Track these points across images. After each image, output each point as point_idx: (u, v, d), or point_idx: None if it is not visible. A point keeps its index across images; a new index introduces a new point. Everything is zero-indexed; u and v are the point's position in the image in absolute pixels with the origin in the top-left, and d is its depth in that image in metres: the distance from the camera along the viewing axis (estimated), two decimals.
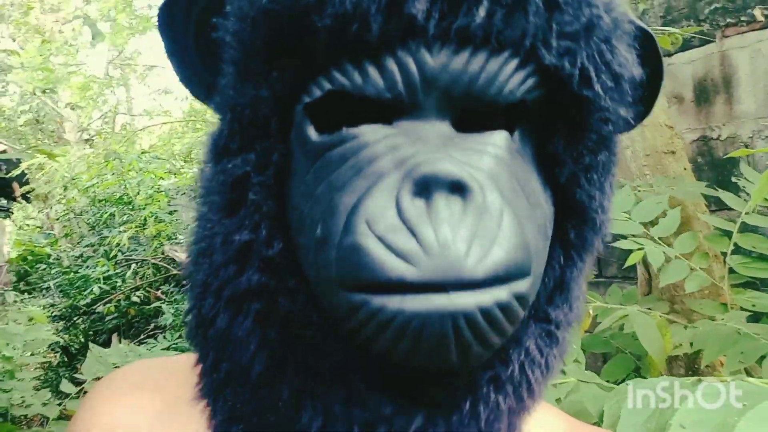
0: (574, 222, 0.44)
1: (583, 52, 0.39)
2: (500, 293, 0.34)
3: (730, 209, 1.91)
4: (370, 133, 0.39)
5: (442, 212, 0.34)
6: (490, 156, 0.39)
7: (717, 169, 2.69)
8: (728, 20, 2.64)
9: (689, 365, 1.63)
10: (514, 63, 0.38)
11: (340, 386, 0.40)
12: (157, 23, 0.47)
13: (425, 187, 0.35)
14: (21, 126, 10.53)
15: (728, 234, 1.54)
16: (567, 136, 0.42)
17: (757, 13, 2.50)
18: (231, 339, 0.42)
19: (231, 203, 0.42)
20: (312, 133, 0.41)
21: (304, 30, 0.38)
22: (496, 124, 0.42)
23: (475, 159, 0.38)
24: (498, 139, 0.40)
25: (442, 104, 0.39)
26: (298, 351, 0.41)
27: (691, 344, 1.28)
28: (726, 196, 1.55)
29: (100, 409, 0.52)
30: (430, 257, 0.33)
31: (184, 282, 0.50)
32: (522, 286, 0.36)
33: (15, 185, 6.60)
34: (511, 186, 0.39)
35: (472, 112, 0.40)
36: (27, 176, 6.85)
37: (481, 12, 0.36)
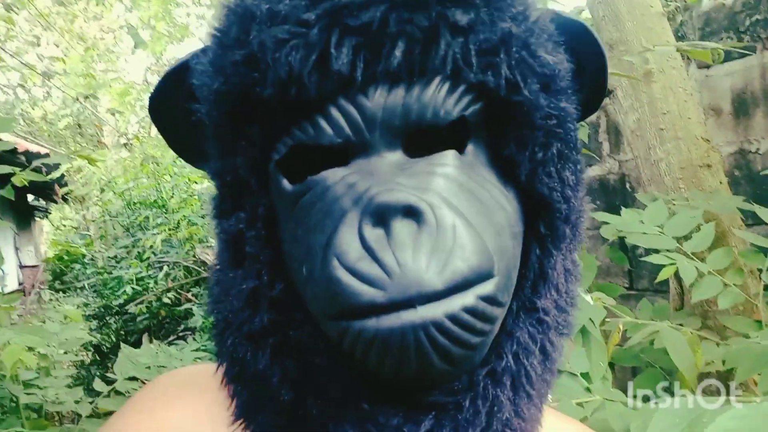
0: (541, 215, 0.47)
1: (503, 63, 0.42)
2: (466, 299, 0.38)
3: (766, 225, 1.87)
4: (330, 176, 0.43)
5: (400, 237, 0.38)
6: (438, 176, 0.42)
7: (754, 183, 2.62)
8: None
9: (721, 381, 1.59)
10: (444, 87, 0.42)
11: (350, 407, 0.44)
12: (147, 109, 0.54)
13: (381, 216, 0.38)
14: (62, 130, 10.84)
15: (764, 250, 1.50)
16: (516, 139, 0.45)
17: None
18: (258, 372, 0.47)
19: (235, 257, 0.48)
20: (286, 184, 0.45)
21: (255, 101, 0.43)
22: (449, 142, 0.45)
23: (424, 181, 0.42)
24: (446, 159, 0.44)
25: (387, 138, 0.43)
26: (314, 378, 0.45)
27: (723, 362, 1.25)
28: (763, 212, 1.51)
29: (155, 410, 0.53)
30: (393, 279, 0.37)
31: (209, 316, 0.56)
32: (487, 287, 0.39)
33: (57, 188, 6.79)
34: (464, 198, 0.42)
35: (420, 137, 0.44)
36: (65, 178, 7.04)
37: (398, 53, 0.40)
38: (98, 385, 1.99)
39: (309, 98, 0.41)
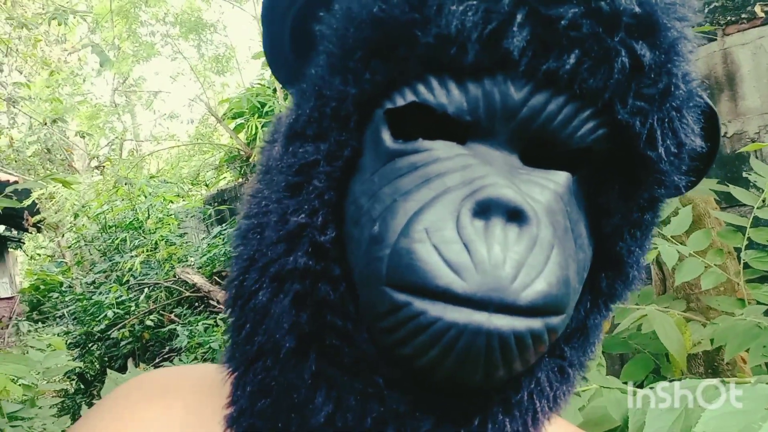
0: (608, 273, 0.46)
1: (654, 115, 0.41)
2: (535, 323, 0.36)
3: (741, 206, 1.91)
4: (443, 148, 0.41)
5: (498, 235, 0.36)
6: (550, 192, 0.41)
7: (725, 166, 2.68)
8: (729, 18, 2.65)
9: (709, 363, 1.62)
10: (589, 111, 0.41)
11: (359, 379, 0.42)
12: (261, 11, 0.50)
13: (486, 208, 0.37)
14: (30, 157, 10.64)
15: (741, 229, 1.53)
16: (621, 191, 0.44)
17: (758, 9, 2.51)
18: (268, 314, 0.44)
19: (294, 186, 0.44)
20: (387, 137, 0.43)
21: (404, 42, 0.40)
22: (560, 165, 0.44)
23: (537, 192, 0.40)
24: (560, 178, 0.42)
25: (515, 135, 0.41)
26: (324, 338, 0.42)
27: (712, 341, 1.28)
28: (737, 192, 1.55)
29: (124, 416, 0.52)
30: (479, 274, 0.35)
31: (230, 251, 0.51)
32: (555, 321, 0.38)
33: (27, 215, 6.66)
34: (564, 225, 0.41)
35: (540, 149, 0.43)
36: (37, 206, 6.91)
37: (571, 59, 0.38)
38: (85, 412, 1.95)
39: (461, 64, 0.39)
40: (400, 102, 0.42)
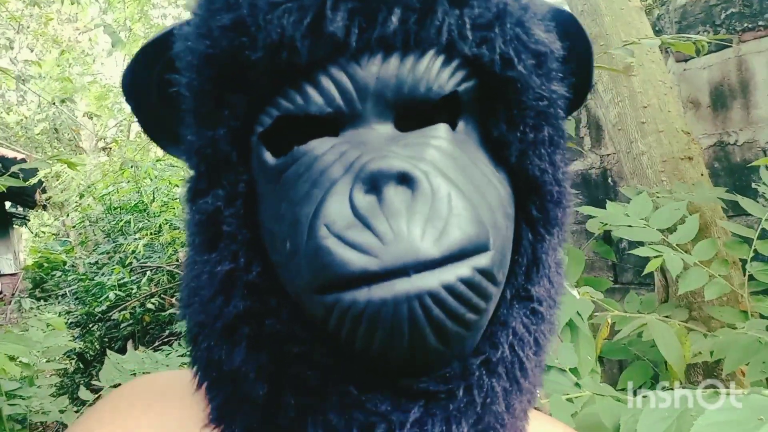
0: (532, 197, 0.46)
1: (498, 38, 0.42)
2: (461, 269, 0.36)
3: (748, 215, 1.89)
4: (318, 146, 0.42)
5: (393, 203, 0.36)
6: (432, 147, 0.41)
7: (734, 174, 2.66)
8: (745, 25, 2.62)
9: (708, 372, 1.61)
10: (438, 60, 0.42)
11: (332, 394, 0.42)
12: (121, 84, 0.52)
13: (374, 183, 0.37)
14: (38, 135, 10.67)
15: (748, 241, 1.52)
16: (507, 118, 0.44)
17: None
18: (233, 371, 0.44)
19: (210, 239, 0.45)
20: (269, 158, 0.44)
21: (242, 66, 0.41)
22: (438, 118, 0.44)
23: (418, 151, 0.41)
24: (439, 132, 0.43)
25: (379, 109, 0.42)
26: (290, 368, 0.43)
27: (711, 353, 1.27)
28: (745, 202, 1.53)
29: (121, 420, 0.51)
30: (387, 246, 0.35)
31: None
32: (483, 260, 0.38)
33: (38, 193, 6.68)
34: (457, 171, 0.41)
35: (411, 111, 0.43)
36: (44, 184, 6.93)
37: (394, 19, 0.40)
38: (83, 393, 1.96)
39: (300, 64, 0.40)
40: (267, 122, 0.43)
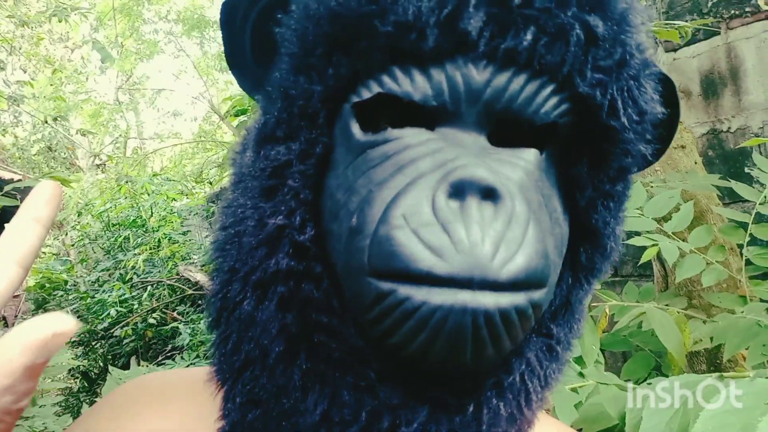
0: (586, 246, 0.47)
1: (613, 85, 0.42)
2: (519, 298, 0.36)
3: (744, 202, 1.89)
4: (413, 135, 0.42)
5: (474, 214, 0.36)
6: (521, 169, 0.42)
7: (728, 161, 2.66)
8: (732, 12, 2.62)
9: (711, 360, 1.60)
10: (551, 87, 0.41)
11: (350, 373, 0.42)
12: (219, 18, 0.50)
13: (461, 189, 0.37)
14: (34, 155, 10.67)
15: (744, 225, 1.52)
16: (590, 163, 0.45)
17: (762, 3, 2.48)
18: (255, 322, 0.44)
19: (269, 188, 0.44)
20: (357, 130, 0.43)
21: (364, 33, 0.40)
22: (527, 142, 0.44)
23: (508, 170, 0.41)
24: (529, 156, 0.43)
25: (482, 117, 0.42)
26: (312, 336, 0.42)
27: (711, 339, 1.26)
28: (740, 187, 1.53)
29: (122, 418, 0.52)
30: (459, 254, 0.35)
31: (209, 268, 0.51)
32: (538, 295, 0.38)
33: None
34: (538, 200, 0.41)
35: (507, 128, 0.43)
36: None
37: (528, 36, 0.39)
38: (86, 411, 1.95)
39: (422, 50, 0.39)
40: (366, 94, 0.42)
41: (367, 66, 0.42)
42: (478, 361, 0.37)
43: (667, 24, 1.45)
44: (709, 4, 2.69)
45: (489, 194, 0.37)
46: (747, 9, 2.58)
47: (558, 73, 0.41)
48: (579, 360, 1.18)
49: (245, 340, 0.45)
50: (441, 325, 0.35)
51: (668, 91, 0.51)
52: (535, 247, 0.37)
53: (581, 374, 1.12)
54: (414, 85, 0.41)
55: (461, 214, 0.36)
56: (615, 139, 0.44)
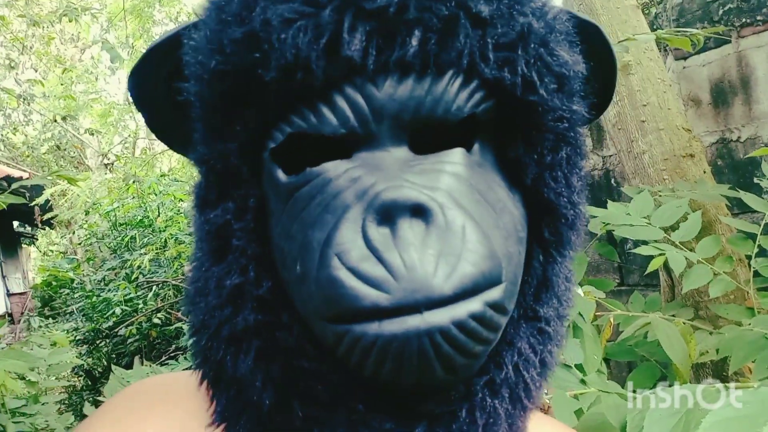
0: (546, 220, 0.46)
1: (521, 60, 0.40)
2: (473, 305, 0.36)
3: (753, 212, 1.87)
4: (331, 168, 0.41)
5: (407, 236, 0.36)
6: (447, 174, 0.40)
7: (738, 171, 2.64)
8: (744, 20, 2.60)
9: (717, 372, 1.58)
10: (457, 81, 0.40)
11: (341, 410, 0.42)
12: (127, 83, 0.50)
13: (387, 214, 0.36)
14: (43, 154, 10.74)
15: (752, 236, 1.50)
16: (525, 140, 0.43)
17: None
18: (238, 377, 0.44)
19: (218, 250, 0.44)
20: (281, 175, 0.43)
21: (254, 83, 0.40)
22: (454, 140, 0.43)
23: (433, 179, 0.40)
24: (454, 157, 0.42)
25: (394, 131, 0.41)
26: (300, 381, 0.43)
27: (717, 351, 1.24)
28: (748, 198, 1.51)
29: (125, 420, 0.51)
30: (399, 281, 0.35)
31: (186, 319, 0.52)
32: (494, 294, 0.38)
33: (37, 211, 6.71)
34: (473, 199, 0.40)
35: (427, 134, 0.42)
36: (50, 203, 6.97)
37: (414, 42, 0.38)
38: (88, 410, 1.95)
39: (314, 84, 0.39)
40: (279, 138, 0.42)
41: (271, 112, 0.41)
42: (453, 372, 0.37)
43: (678, 31, 1.43)
44: (720, 12, 2.67)
45: (417, 211, 0.36)
46: (758, 17, 2.56)
47: (459, 66, 0.39)
48: (581, 367, 1.16)
49: (235, 394, 0.46)
50: (401, 353, 0.35)
51: (593, 37, 0.50)
52: (476, 251, 0.36)
53: (583, 381, 1.11)
54: (321, 118, 0.40)
55: (393, 240, 0.36)
56: (541, 112, 0.42)
